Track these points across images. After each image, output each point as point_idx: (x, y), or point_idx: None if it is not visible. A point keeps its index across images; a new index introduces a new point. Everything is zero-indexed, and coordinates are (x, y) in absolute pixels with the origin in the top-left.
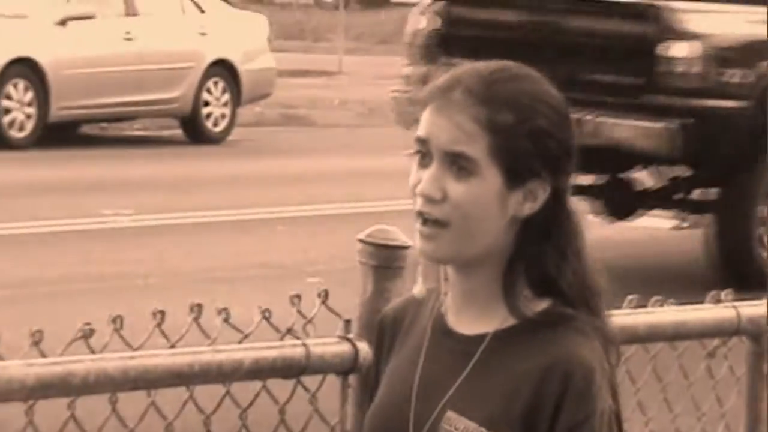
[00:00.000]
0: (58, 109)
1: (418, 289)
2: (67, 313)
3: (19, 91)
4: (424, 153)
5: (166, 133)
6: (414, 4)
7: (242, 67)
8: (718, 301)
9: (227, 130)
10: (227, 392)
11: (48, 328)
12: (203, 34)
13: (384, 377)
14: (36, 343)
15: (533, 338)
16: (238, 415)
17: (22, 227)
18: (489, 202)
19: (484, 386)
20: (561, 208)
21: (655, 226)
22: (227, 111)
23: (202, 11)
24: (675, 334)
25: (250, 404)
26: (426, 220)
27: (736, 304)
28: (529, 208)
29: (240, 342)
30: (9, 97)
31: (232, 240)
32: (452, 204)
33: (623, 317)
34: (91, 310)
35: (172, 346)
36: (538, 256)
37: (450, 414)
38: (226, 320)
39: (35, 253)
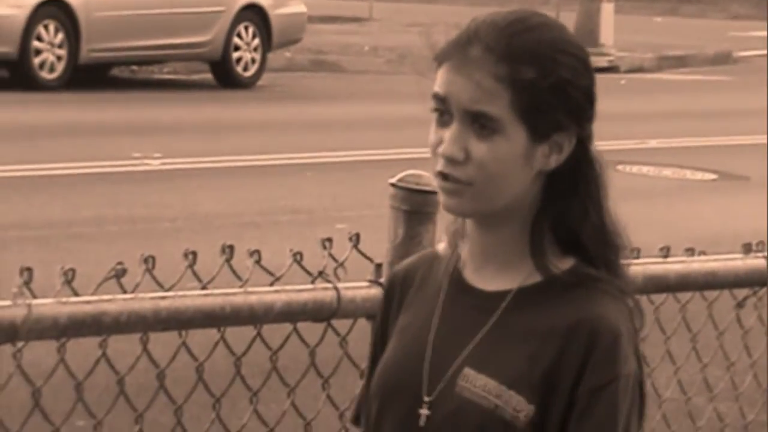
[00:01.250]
0: (89, 51)
1: (442, 245)
2: (97, 254)
3: (50, 33)
4: (443, 111)
5: (196, 77)
6: None
7: (273, 12)
8: (748, 251)
9: (257, 74)
10: (258, 334)
11: (79, 269)
12: None
13: (395, 333)
14: (68, 282)
15: (559, 297)
16: (269, 358)
17: (52, 168)
18: (514, 159)
19: (504, 344)
20: (586, 158)
21: (686, 177)
22: (257, 55)
23: None
24: (705, 284)
25: (281, 347)
26: (449, 180)
27: (767, 254)
28: (555, 160)
29: (271, 285)
30: (40, 39)
31: (261, 185)
32: (476, 164)
33: (654, 266)
34: (120, 251)
35: (204, 288)
36: (565, 210)
37: (468, 371)
38: (257, 262)
39: (65, 194)
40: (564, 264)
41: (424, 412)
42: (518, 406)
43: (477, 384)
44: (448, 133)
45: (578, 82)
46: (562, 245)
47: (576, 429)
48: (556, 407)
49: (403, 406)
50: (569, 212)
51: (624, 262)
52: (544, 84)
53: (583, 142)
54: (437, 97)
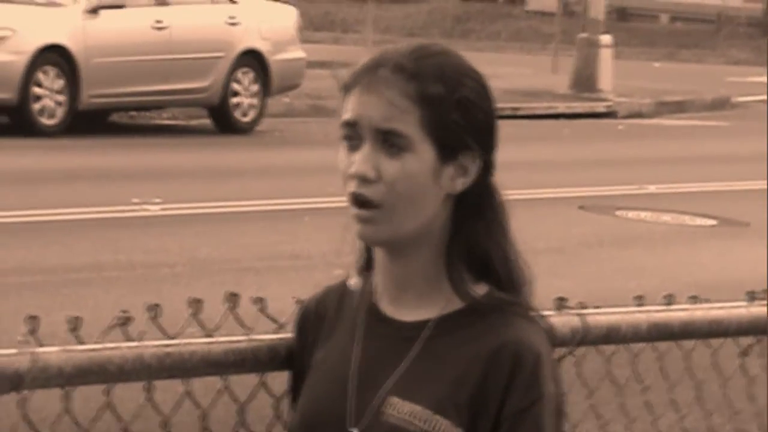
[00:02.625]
0: (89, 97)
1: (353, 281)
2: (96, 299)
3: (50, 79)
4: (352, 136)
5: (194, 122)
6: None
7: (272, 58)
8: (752, 299)
9: (256, 120)
10: (261, 381)
11: (78, 315)
12: (233, 24)
13: (312, 369)
14: (73, 330)
15: (479, 322)
16: (272, 405)
17: (51, 214)
18: (423, 178)
19: (429, 371)
20: (490, 184)
21: (685, 222)
22: (256, 101)
23: (233, 1)
24: (709, 332)
25: (284, 394)
26: (361, 202)
27: None
28: (461, 183)
29: (275, 332)
30: (39, 85)
31: (260, 230)
32: (387, 183)
33: (658, 314)
34: (119, 297)
35: (208, 335)
36: (474, 235)
37: (394, 399)
38: (261, 310)
39: (64, 240)
40: (479, 290)
41: None
42: (446, 429)
43: (404, 411)
44: (359, 155)
45: (482, 105)
46: (474, 272)
47: None
48: (483, 430)
49: None
50: (478, 237)
51: (530, 290)
52: (452, 101)
53: (488, 168)
54: (347, 124)
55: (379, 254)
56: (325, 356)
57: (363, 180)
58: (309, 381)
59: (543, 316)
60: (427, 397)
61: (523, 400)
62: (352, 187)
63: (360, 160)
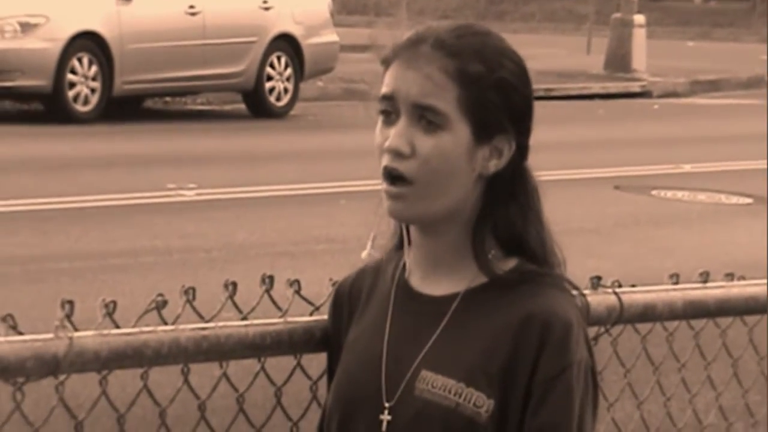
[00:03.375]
0: (122, 84)
1: (365, 253)
2: (133, 285)
3: (84, 66)
4: (390, 111)
5: (228, 107)
6: None
7: (305, 42)
8: None
9: (290, 104)
10: (298, 364)
11: (118, 300)
12: (266, 8)
13: (346, 346)
14: (109, 314)
15: (507, 294)
16: (309, 387)
17: (87, 200)
18: (457, 157)
19: (459, 344)
20: (523, 168)
21: (720, 201)
22: (290, 85)
23: None
24: (746, 309)
25: (321, 376)
26: (393, 178)
27: None
28: (494, 165)
29: (311, 314)
30: (74, 72)
31: (295, 214)
32: (421, 159)
33: (694, 292)
34: (156, 282)
35: (244, 318)
36: (505, 215)
37: (425, 373)
38: (297, 292)
39: (101, 226)
40: (507, 264)
41: (385, 417)
42: (478, 402)
43: (436, 385)
44: (394, 129)
45: (520, 88)
46: (505, 248)
47: (533, 418)
48: (515, 400)
49: (363, 415)
50: (509, 217)
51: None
52: (490, 81)
53: (522, 151)
54: (384, 97)
55: (412, 232)
56: (359, 335)
57: (397, 154)
58: (343, 360)
59: (574, 286)
60: (458, 369)
61: (553, 367)
62: (386, 161)
63: (395, 135)
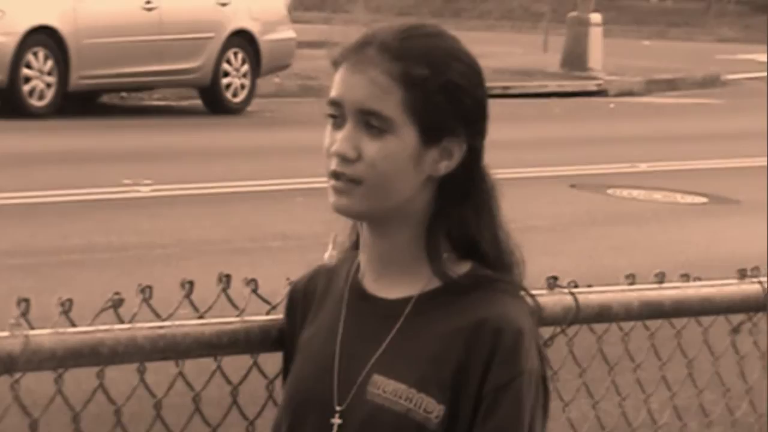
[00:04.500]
0: (78, 78)
1: (328, 254)
2: (89, 281)
3: (40, 60)
4: (337, 114)
5: (185, 103)
6: None
7: (262, 38)
8: (743, 276)
9: (247, 100)
10: (254, 363)
11: (70, 297)
12: (223, 4)
13: (299, 348)
14: (65, 313)
15: (460, 299)
16: (265, 386)
17: (43, 196)
18: (404, 160)
19: (411, 348)
20: (477, 169)
21: (676, 200)
22: (247, 81)
23: None
24: (701, 310)
25: (277, 375)
26: (341, 179)
27: (762, 279)
28: (445, 166)
29: (267, 313)
30: (29, 66)
31: (251, 211)
32: (367, 163)
33: (649, 293)
34: (112, 278)
35: (201, 317)
36: (458, 217)
37: (377, 377)
38: (254, 291)
39: (56, 222)
40: (461, 268)
41: (336, 421)
42: (429, 407)
43: (387, 389)
44: (341, 133)
45: (470, 90)
46: (459, 251)
47: (482, 426)
48: (465, 406)
49: (314, 417)
50: (463, 220)
51: (520, 271)
52: (436, 85)
53: (475, 153)
54: (332, 102)
55: (364, 232)
56: (312, 335)
57: (343, 159)
58: (296, 361)
59: (528, 292)
60: (409, 374)
61: (503, 375)
62: (333, 165)
63: (341, 139)
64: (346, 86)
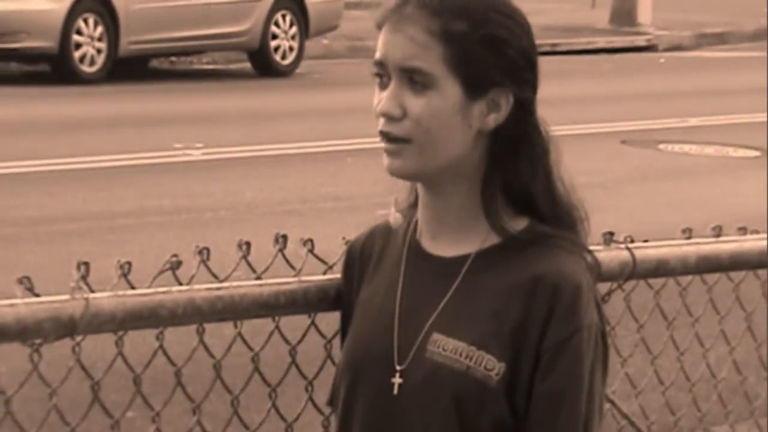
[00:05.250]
0: (128, 44)
1: (392, 217)
2: (142, 245)
3: (90, 26)
4: (382, 74)
5: (234, 66)
6: None
7: (309, 0)
8: None
9: (295, 62)
10: (312, 323)
11: (124, 260)
12: None
13: (358, 308)
14: (124, 275)
15: (518, 256)
16: (323, 346)
17: (94, 161)
18: (450, 114)
19: (470, 306)
20: (528, 121)
21: (728, 154)
22: (295, 44)
23: None
24: (759, 263)
25: (335, 335)
26: (390, 139)
27: None
28: (494, 119)
29: (324, 273)
30: (80, 32)
31: (302, 172)
32: (413, 119)
33: (706, 246)
34: (164, 242)
35: (258, 278)
36: (512, 170)
37: (436, 336)
38: (311, 251)
39: (108, 186)
40: (518, 224)
41: (396, 380)
42: (489, 365)
43: (447, 348)
44: (386, 92)
45: (513, 41)
46: (515, 207)
47: (542, 382)
48: (525, 363)
49: (374, 377)
50: (517, 173)
51: (581, 227)
52: (476, 38)
53: (524, 104)
54: (376, 62)
55: (420, 191)
56: (370, 295)
57: (389, 118)
58: (355, 320)
59: (585, 248)
60: (469, 332)
61: (562, 331)
62: (380, 125)
63: (386, 99)
64: (387, 46)
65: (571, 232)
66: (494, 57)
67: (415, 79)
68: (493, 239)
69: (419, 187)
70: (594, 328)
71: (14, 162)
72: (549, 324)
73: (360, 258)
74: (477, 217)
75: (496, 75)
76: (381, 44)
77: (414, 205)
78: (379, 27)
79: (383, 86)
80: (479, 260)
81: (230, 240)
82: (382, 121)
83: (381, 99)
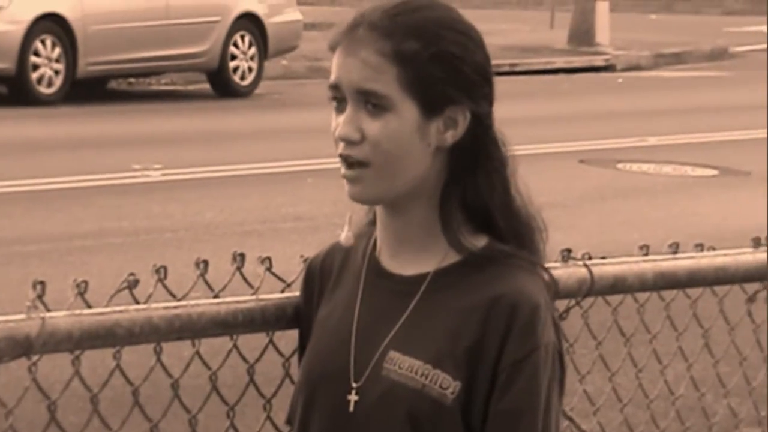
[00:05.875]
0: (86, 65)
1: (344, 236)
2: (101, 266)
3: (47, 47)
4: (338, 98)
5: (193, 87)
6: None
7: (268, 20)
8: (758, 244)
9: (254, 83)
10: (270, 341)
11: (87, 281)
12: None
13: (316, 325)
14: (81, 294)
15: (477, 275)
16: (281, 364)
17: (54, 182)
18: (408, 135)
19: (427, 324)
20: (486, 135)
21: (686, 173)
22: (254, 64)
23: None
24: (716, 279)
25: (293, 353)
26: (350, 163)
27: None
28: (451, 136)
29: (282, 291)
30: (37, 53)
31: (262, 193)
32: (371, 143)
33: (664, 263)
34: (124, 263)
35: (216, 296)
36: (470, 185)
37: (393, 354)
38: (268, 269)
39: (66, 207)
40: (478, 241)
41: (352, 397)
42: (444, 383)
43: (403, 366)
44: (343, 116)
45: (467, 57)
46: (474, 224)
47: (498, 402)
48: (482, 381)
49: (331, 394)
50: (475, 188)
51: (539, 239)
52: (429, 56)
53: (481, 119)
54: (331, 86)
55: (378, 210)
56: (329, 312)
57: (348, 142)
58: (313, 337)
59: (543, 267)
60: (425, 350)
61: (519, 350)
62: (340, 149)
63: (343, 123)
64: (341, 69)
65: (529, 249)
66: (449, 74)
67: (371, 102)
68: (453, 257)
69: (378, 207)
70: (551, 347)
71: None
72: (506, 343)
73: (320, 275)
74: (436, 235)
75: (451, 92)
76: (335, 67)
77: (372, 223)
78: (333, 49)
79: (340, 110)
80: (438, 278)
81: (189, 261)
82: (341, 145)
83: (338, 123)
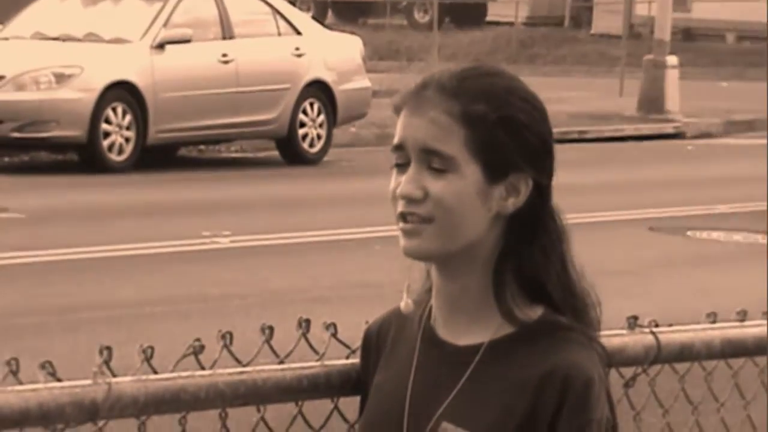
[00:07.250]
0: (157, 132)
1: (404, 303)
2: (170, 332)
3: (118, 115)
4: (401, 160)
5: (262, 154)
6: (509, 23)
7: (337, 88)
8: None
9: (323, 150)
10: (335, 407)
11: (155, 346)
12: (299, 55)
13: (372, 392)
14: (147, 360)
15: (530, 347)
16: (346, 430)
17: (124, 249)
18: (471, 197)
19: (480, 396)
20: (544, 207)
21: (756, 241)
22: (323, 132)
23: (298, 33)
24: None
25: (358, 419)
26: (411, 219)
27: None
28: (513, 203)
29: (347, 357)
30: (108, 121)
31: (330, 260)
32: (434, 200)
33: (732, 330)
34: (192, 329)
35: (281, 362)
36: (526, 257)
37: (446, 425)
38: (333, 335)
39: (137, 274)
40: (533, 312)
41: None
42: None
43: None
44: (405, 175)
45: (532, 126)
46: (529, 293)
47: None
48: None
49: None
50: (531, 260)
51: (593, 314)
52: (497, 121)
53: (542, 190)
54: (396, 147)
55: (434, 276)
56: (384, 380)
57: (410, 200)
58: (368, 405)
59: (597, 341)
60: (477, 423)
61: (573, 425)
62: (401, 207)
63: (406, 180)
64: (407, 129)
65: (584, 322)
66: (514, 141)
67: (435, 162)
68: (507, 328)
69: (433, 272)
70: (605, 422)
71: (42, 251)
72: (559, 417)
73: (376, 341)
74: (490, 305)
75: (516, 159)
76: (400, 127)
77: (429, 290)
78: (398, 111)
79: (401, 170)
80: (492, 350)
81: (256, 327)
82: (401, 203)
83: (399, 182)
